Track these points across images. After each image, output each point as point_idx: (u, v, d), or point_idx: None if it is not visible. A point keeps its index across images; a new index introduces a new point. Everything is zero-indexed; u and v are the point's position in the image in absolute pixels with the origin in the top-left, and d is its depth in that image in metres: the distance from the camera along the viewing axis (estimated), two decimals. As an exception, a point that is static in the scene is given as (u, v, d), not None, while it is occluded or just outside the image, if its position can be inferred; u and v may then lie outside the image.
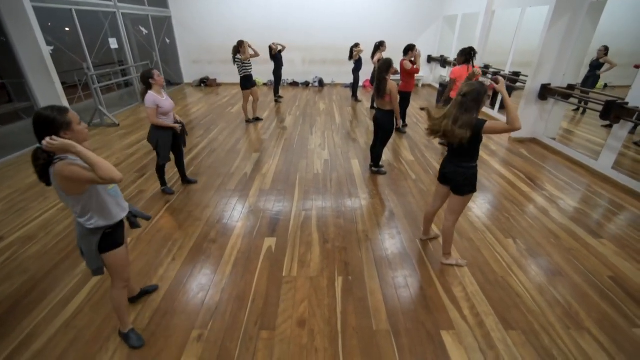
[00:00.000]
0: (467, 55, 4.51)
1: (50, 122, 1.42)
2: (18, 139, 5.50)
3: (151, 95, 3.15)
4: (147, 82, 3.16)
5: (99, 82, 6.51)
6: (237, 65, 5.99)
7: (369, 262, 2.69)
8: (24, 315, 2.19)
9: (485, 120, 2.15)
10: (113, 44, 7.34)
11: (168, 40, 9.99)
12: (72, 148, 1.39)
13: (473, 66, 4.51)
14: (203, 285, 2.45)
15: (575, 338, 2.04)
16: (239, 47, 5.86)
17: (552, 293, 2.39)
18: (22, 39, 4.91)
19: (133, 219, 1.93)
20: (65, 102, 5.42)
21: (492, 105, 7.09)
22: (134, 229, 2.03)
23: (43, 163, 1.44)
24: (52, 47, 5.47)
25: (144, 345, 1.97)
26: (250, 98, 6.40)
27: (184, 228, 3.11)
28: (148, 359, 1.90)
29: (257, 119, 6.72)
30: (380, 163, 4.55)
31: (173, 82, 10.56)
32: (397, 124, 3.98)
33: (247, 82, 6.13)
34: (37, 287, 2.44)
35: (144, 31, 8.86)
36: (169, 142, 3.43)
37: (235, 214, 3.39)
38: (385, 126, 3.99)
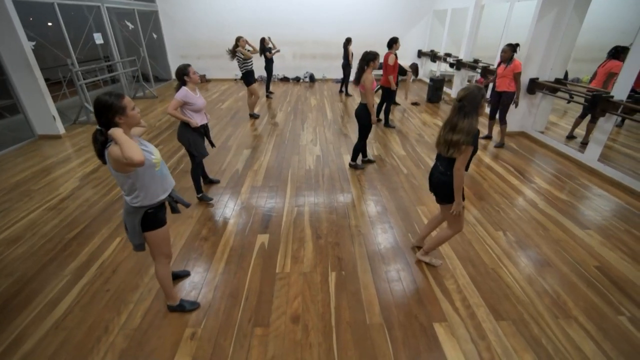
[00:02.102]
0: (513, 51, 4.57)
1: (108, 107, 1.55)
2: (0, 137, 5.35)
3: (184, 90, 2.99)
4: (181, 79, 3.00)
5: (84, 79, 6.35)
6: (238, 62, 5.89)
7: (362, 257, 2.71)
8: (12, 317, 2.15)
9: (472, 145, 2.03)
10: (98, 39, 7.16)
11: (155, 35, 9.79)
12: (110, 132, 1.55)
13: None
14: (195, 283, 2.43)
15: (563, 326, 2.09)
16: (237, 42, 5.77)
17: (541, 283, 2.44)
18: (3, 35, 4.74)
19: (174, 203, 1.99)
20: (49, 100, 5.28)
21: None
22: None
23: (100, 144, 1.59)
24: (34, 43, 5.31)
25: (199, 307, 2.19)
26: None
27: (175, 226, 3.08)
28: (140, 358, 1.88)
29: (252, 116, 6.63)
30: (372, 158, 4.57)
31: (161, 77, 10.36)
32: (372, 119, 3.90)
33: (251, 78, 6.05)
34: (24, 289, 2.38)
35: (130, 26, 8.66)
36: (202, 139, 3.27)
37: (227, 211, 3.36)
38: (362, 120, 3.97)
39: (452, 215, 2.30)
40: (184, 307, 2.17)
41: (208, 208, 3.39)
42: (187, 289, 2.37)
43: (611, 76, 4.63)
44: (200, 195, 3.51)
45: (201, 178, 3.58)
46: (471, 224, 3.16)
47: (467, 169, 2.18)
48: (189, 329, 2.06)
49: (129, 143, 1.52)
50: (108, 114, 1.57)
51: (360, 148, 4.25)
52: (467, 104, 2.01)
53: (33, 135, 5.38)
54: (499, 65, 4.86)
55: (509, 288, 2.40)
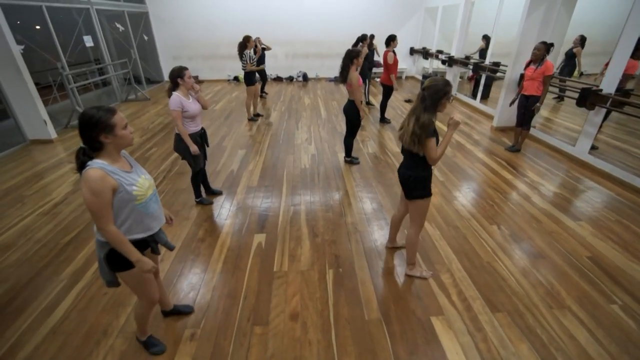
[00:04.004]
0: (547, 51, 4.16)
1: (94, 123, 1.35)
2: (-9, 143, 5.27)
3: (176, 96, 2.80)
4: (174, 81, 2.81)
5: (75, 82, 6.29)
6: (243, 61, 5.81)
7: (359, 254, 2.73)
8: (8, 324, 2.13)
9: (433, 136, 1.94)
10: (88, 41, 7.08)
11: (146, 37, 9.70)
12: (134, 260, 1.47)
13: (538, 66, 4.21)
14: (194, 284, 2.43)
15: (557, 316, 2.13)
16: (246, 43, 5.71)
17: (535, 275, 2.48)
18: (-10, 38, 4.68)
19: (154, 244, 1.67)
20: (39, 104, 5.22)
21: (474, 95, 7.22)
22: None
23: (81, 163, 1.39)
24: (22, 46, 5.23)
25: (165, 351, 1.92)
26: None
27: (171, 229, 3.07)
28: (140, 360, 1.88)
29: (258, 115, 6.60)
30: (366, 155, 4.60)
31: (153, 79, 10.29)
32: (361, 116, 3.94)
33: (252, 78, 6.00)
34: (20, 295, 2.36)
35: (121, 28, 8.57)
36: (199, 149, 3.08)
37: (224, 211, 3.36)
38: (350, 116, 4.02)
39: (417, 209, 2.22)
40: (148, 346, 1.92)
41: (204, 209, 3.39)
42: (186, 291, 2.37)
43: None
44: (199, 199, 3.47)
45: (202, 186, 3.50)
46: (465, 218, 3.20)
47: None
48: (189, 330, 2.06)
49: (120, 243, 1.42)
50: (93, 131, 1.35)
51: (350, 144, 4.28)
52: (428, 98, 1.90)
53: (24, 140, 5.32)
54: (527, 65, 4.42)
55: (504, 280, 2.43)
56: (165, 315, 2.15)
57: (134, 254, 1.48)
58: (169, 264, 2.62)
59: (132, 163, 1.57)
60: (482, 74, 6.78)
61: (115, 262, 1.52)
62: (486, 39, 7.22)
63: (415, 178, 2.13)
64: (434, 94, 1.89)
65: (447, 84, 1.91)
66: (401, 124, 2.13)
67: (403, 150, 2.18)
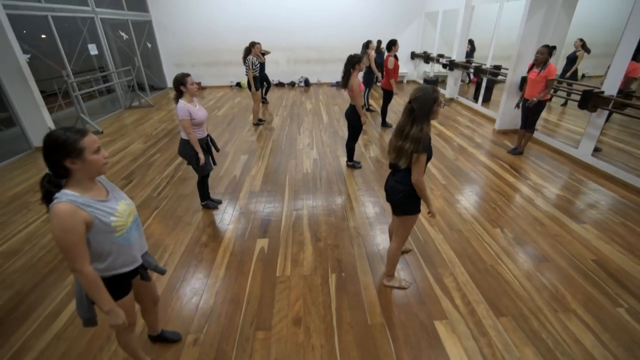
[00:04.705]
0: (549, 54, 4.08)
1: (59, 146, 1.17)
2: (-3, 150, 5.34)
3: (183, 105, 2.80)
4: (178, 89, 2.82)
5: (79, 90, 6.37)
6: (246, 66, 5.84)
7: (362, 258, 2.72)
8: (13, 329, 2.14)
9: (425, 152, 1.85)
10: (92, 50, 7.19)
11: (150, 45, 9.84)
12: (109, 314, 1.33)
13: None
14: (196, 289, 2.43)
15: (562, 320, 2.11)
16: (251, 48, 5.77)
17: (539, 278, 2.46)
18: (-3, 48, 4.77)
19: (143, 271, 1.54)
20: (44, 111, 5.29)
21: (476, 99, 7.23)
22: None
23: (45, 192, 1.23)
24: (29, 55, 5.32)
25: None
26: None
27: (174, 234, 3.08)
28: (143, 366, 1.88)
29: (261, 121, 6.61)
30: (368, 159, 4.60)
31: (156, 87, 10.40)
32: (362, 120, 3.95)
33: (257, 83, 6.05)
34: (24, 301, 2.38)
35: (124, 36, 8.70)
36: (205, 154, 3.08)
37: (226, 217, 3.37)
38: (352, 121, 4.06)
39: (404, 225, 2.17)
40: None
41: (207, 215, 3.40)
42: (189, 296, 2.37)
43: None
44: (205, 203, 3.49)
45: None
46: (468, 221, 3.18)
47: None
48: (192, 335, 2.06)
49: (98, 292, 1.28)
50: (57, 155, 1.17)
51: (351, 148, 4.29)
52: (417, 108, 1.79)
53: (29, 148, 5.38)
54: (530, 69, 4.35)
55: (508, 284, 2.42)
56: (153, 340, 2.01)
57: (107, 303, 1.32)
58: (172, 270, 2.63)
59: (109, 188, 1.40)
60: (484, 77, 6.80)
61: None
62: (471, 43, 7.98)
63: (407, 193, 2.00)
64: (424, 104, 1.79)
65: (435, 90, 1.82)
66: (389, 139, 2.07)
67: (391, 165, 2.09)
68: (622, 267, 2.55)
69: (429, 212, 2.12)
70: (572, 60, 6.56)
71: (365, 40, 6.76)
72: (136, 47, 8.82)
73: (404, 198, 2.03)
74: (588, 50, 6.42)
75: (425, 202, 2.06)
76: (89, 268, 1.25)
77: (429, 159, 1.93)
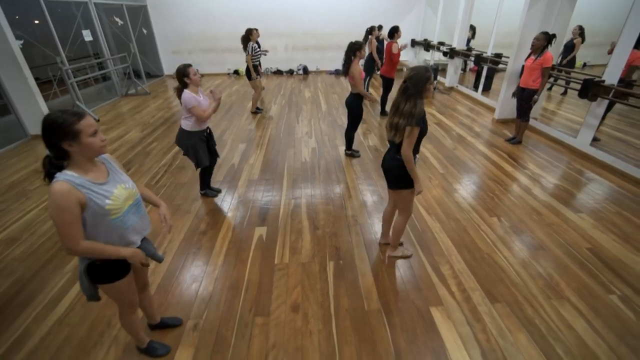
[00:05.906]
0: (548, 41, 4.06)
1: (55, 128, 1.20)
2: (-7, 138, 5.29)
3: (189, 94, 2.82)
4: (182, 81, 2.83)
5: (74, 77, 6.27)
6: (247, 52, 5.70)
7: (359, 246, 2.75)
8: (14, 316, 2.17)
9: (418, 126, 1.96)
10: (87, 36, 7.04)
11: (145, 31, 9.63)
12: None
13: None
14: (196, 276, 2.46)
15: (556, 307, 2.15)
16: (249, 35, 5.64)
17: (535, 266, 2.50)
18: (-11, 33, 4.67)
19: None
20: (40, 99, 5.23)
21: (476, 87, 7.17)
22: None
23: (46, 173, 1.28)
24: (21, 41, 5.22)
25: (170, 350, 1.91)
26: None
27: (173, 221, 3.07)
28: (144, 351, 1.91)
29: (259, 109, 6.54)
30: (367, 147, 4.59)
31: (153, 74, 10.24)
32: (371, 99, 3.97)
33: (255, 71, 5.92)
34: (25, 288, 2.40)
35: (119, 22, 8.52)
36: (203, 144, 3.10)
37: (225, 205, 3.38)
38: (353, 109, 4.03)
39: (403, 200, 2.29)
40: (150, 352, 1.87)
41: (206, 203, 3.41)
42: (188, 282, 2.40)
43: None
44: (204, 192, 3.49)
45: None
46: (466, 210, 3.20)
47: (417, 150, 2.16)
48: (191, 321, 2.09)
49: (96, 249, 1.31)
50: (54, 137, 1.20)
51: (351, 137, 4.28)
52: (411, 86, 1.94)
53: (25, 136, 5.33)
54: (528, 57, 4.38)
55: (504, 272, 2.45)
56: (152, 329, 2.04)
57: (120, 251, 1.38)
58: (172, 257, 2.65)
59: (111, 169, 1.43)
60: (484, 65, 6.72)
61: (96, 275, 1.43)
62: (472, 29, 7.81)
63: (401, 167, 2.12)
64: (417, 82, 1.92)
65: (427, 70, 1.95)
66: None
67: (389, 142, 2.23)
68: (617, 255, 2.59)
69: (417, 193, 2.21)
70: (569, 47, 6.49)
71: (366, 27, 6.64)
72: (131, 33, 8.64)
73: (397, 170, 2.17)
74: (583, 38, 6.35)
75: (412, 177, 2.15)
76: (83, 243, 1.28)
77: (423, 133, 2.04)
